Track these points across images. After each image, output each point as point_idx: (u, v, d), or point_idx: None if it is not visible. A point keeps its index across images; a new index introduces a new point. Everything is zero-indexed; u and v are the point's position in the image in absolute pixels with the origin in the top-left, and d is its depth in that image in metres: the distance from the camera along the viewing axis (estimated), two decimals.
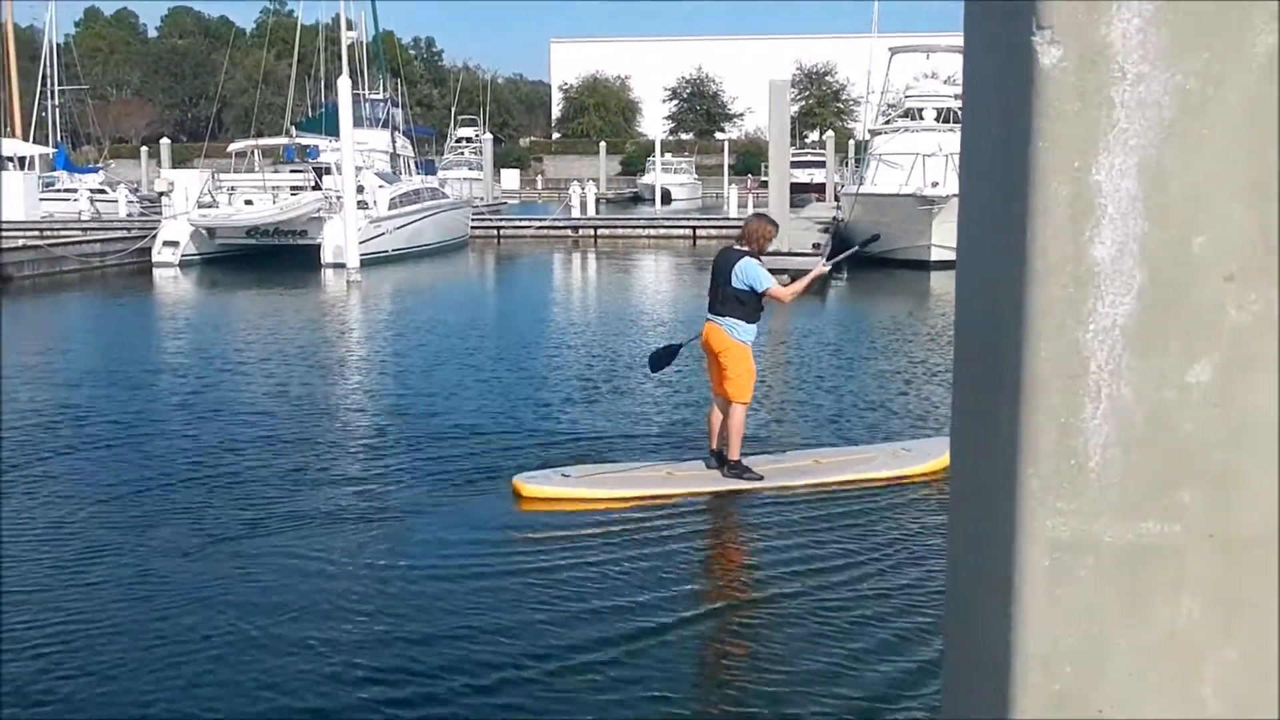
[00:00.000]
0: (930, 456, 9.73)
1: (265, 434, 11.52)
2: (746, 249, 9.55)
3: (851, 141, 60.06)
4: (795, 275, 10.05)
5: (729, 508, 9.15)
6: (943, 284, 25.81)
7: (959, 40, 1.86)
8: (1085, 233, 1.40)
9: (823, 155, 64.53)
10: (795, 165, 51.40)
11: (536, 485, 9.40)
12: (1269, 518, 1.41)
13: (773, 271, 9.68)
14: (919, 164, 29.08)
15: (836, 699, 5.75)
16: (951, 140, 30.09)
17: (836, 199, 44.07)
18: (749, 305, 9.42)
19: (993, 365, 1.50)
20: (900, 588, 7.23)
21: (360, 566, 7.71)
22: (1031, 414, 1.43)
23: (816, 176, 60.32)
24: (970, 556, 1.61)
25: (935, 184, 28.38)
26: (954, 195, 23.93)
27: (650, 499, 9.15)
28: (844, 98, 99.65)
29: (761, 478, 9.50)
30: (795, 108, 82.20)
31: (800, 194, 50.60)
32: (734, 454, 9.59)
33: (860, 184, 34.25)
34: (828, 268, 10.59)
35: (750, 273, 9.35)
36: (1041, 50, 1.39)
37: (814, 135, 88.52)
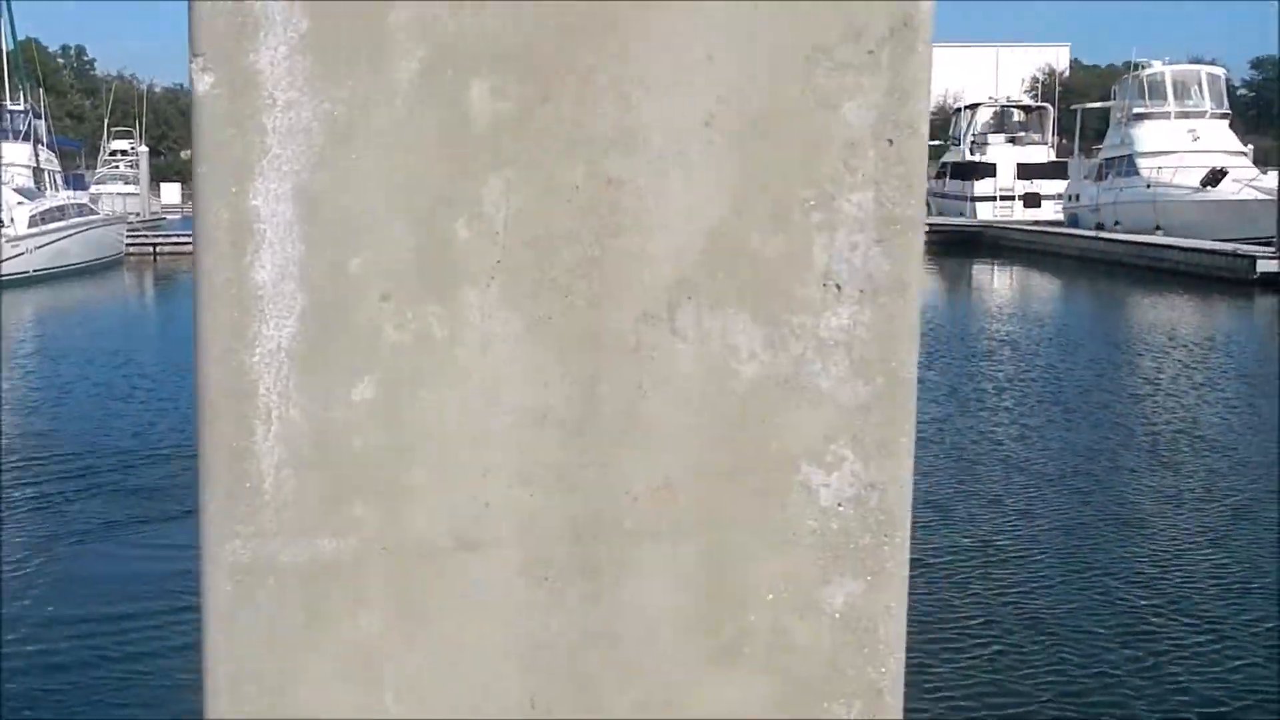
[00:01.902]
0: None
1: None
2: None
3: None
4: None
5: None
6: None
7: None
8: (246, 257, 1.42)
9: None
10: None
11: None
12: (437, 527, 1.47)
13: None
14: None
15: None
16: None
17: None
18: None
19: None
20: None
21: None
22: (207, 438, 1.44)
23: None
24: None
25: None
26: None
27: None
28: None
29: None
30: None
31: None
32: None
33: None
34: None
35: None
36: (197, 77, 1.41)
37: None
